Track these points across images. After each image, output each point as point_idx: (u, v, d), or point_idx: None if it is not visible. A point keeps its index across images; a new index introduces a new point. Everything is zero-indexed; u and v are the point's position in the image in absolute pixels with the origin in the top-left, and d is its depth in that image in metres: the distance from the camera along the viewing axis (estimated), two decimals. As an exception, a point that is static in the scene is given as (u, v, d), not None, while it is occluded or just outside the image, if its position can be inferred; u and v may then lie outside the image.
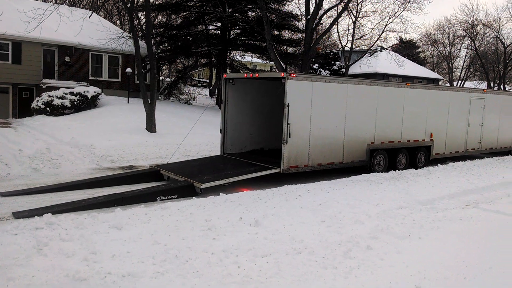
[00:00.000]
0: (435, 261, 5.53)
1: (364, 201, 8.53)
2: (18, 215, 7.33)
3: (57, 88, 21.99)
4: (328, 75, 30.84)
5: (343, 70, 32.67)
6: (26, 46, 23.35)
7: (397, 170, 12.80)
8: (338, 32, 52.07)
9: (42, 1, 25.00)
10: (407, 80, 35.35)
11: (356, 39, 30.55)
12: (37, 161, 12.14)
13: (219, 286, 4.53)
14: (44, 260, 4.93)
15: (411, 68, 38.95)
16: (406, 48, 46.47)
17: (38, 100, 21.08)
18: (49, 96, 20.94)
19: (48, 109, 20.63)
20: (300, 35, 29.41)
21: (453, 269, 5.33)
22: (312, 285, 4.68)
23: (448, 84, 47.63)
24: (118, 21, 40.71)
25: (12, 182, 10.03)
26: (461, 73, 48.23)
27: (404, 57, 38.43)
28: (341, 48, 32.28)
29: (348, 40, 31.02)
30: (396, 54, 33.74)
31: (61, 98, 21.02)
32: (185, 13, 28.59)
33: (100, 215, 6.93)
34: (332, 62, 33.95)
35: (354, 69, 34.47)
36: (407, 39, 48.54)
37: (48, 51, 24.46)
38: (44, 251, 5.19)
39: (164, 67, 41.45)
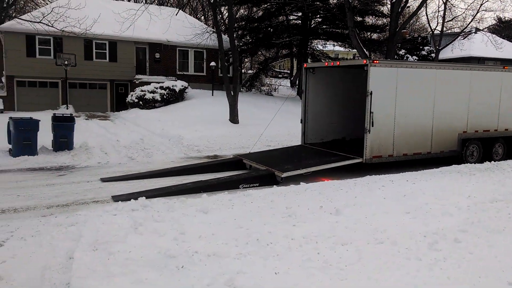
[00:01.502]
0: (534, 258, 5.09)
1: (454, 192, 8.04)
2: (116, 198, 8.06)
3: (148, 83, 23.59)
4: (415, 61, 29.23)
5: (433, 55, 30.71)
6: (121, 45, 25.29)
7: (492, 161, 11.84)
8: (426, 15, 49.03)
9: (134, 2, 26.79)
10: (507, 63, 32.23)
11: (447, 21, 28.52)
12: (132, 150, 13.19)
13: (299, 270, 4.62)
14: (140, 238, 5.40)
15: (511, 50, 35.46)
16: (505, 29, 42.36)
17: (132, 95, 22.80)
18: (142, 91, 22.53)
19: (140, 102, 22.22)
20: (384, 20, 28.21)
21: (555, 267, 4.87)
22: (394, 275, 4.58)
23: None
24: (202, 17, 42.30)
25: (111, 169, 11.01)
26: None
27: (503, 38, 35.12)
28: (430, 32, 30.36)
29: (438, 23, 29.11)
30: (493, 35, 30.91)
31: (152, 92, 22.51)
32: (265, 5, 28.86)
33: (188, 199, 7.37)
34: (420, 47, 32.04)
35: (445, 53, 32.25)
36: (506, 18, 44.24)
37: (140, 48, 26.26)
38: (139, 230, 5.67)
39: (246, 59, 42.31)
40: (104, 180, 9.72)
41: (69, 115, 13.12)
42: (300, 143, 13.04)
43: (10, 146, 11.93)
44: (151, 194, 8.15)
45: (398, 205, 7.17)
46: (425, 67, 11.35)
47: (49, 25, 15.18)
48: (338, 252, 5.14)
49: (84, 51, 24.49)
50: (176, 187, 8.85)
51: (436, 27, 29.32)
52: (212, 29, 25.56)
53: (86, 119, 20.38)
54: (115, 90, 26.18)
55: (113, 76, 25.60)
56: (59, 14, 15.34)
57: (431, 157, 11.62)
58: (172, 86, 23.07)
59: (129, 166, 11.56)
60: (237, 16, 32.34)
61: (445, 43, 30.16)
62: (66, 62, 22.47)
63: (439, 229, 5.98)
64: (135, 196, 7.87)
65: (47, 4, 27.56)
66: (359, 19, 27.27)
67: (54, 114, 13.10)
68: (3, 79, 24.71)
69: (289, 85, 37.38)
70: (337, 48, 41.92)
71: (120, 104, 25.23)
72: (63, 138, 12.41)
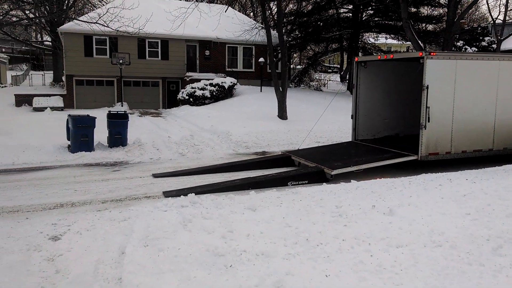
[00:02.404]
0: None
1: (520, 193, 7.46)
2: (167, 194, 8.21)
3: (198, 80, 23.97)
4: (475, 52, 27.61)
5: (494, 46, 28.87)
6: (172, 43, 25.87)
7: None
8: (487, 3, 46.17)
9: (185, 0, 27.29)
10: None
11: (510, 10, 26.66)
12: (182, 146, 13.42)
13: (350, 273, 4.43)
14: (189, 235, 5.43)
15: None
16: None
17: (182, 92, 23.27)
18: (192, 88, 22.94)
19: (191, 99, 22.63)
20: (441, 11, 26.87)
21: None
22: (453, 281, 4.28)
23: None
24: (251, 13, 42.39)
25: (162, 165, 11.26)
26: None
27: None
28: (492, 22, 28.54)
29: (500, 12, 27.38)
30: None
31: (202, 89, 22.85)
32: (315, -1, 28.40)
33: (236, 196, 7.35)
34: (480, 38, 30.23)
35: (508, 44, 30.18)
36: None
37: (190, 46, 26.73)
38: (188, 227, 5.71)
39: (294, 54, 41.94)
40: (155, 175, 9.94)
41: (123, 112, 13.56)
42: (350, 140, 12.69)
43: (69, 143, 12.50)
44: (200, 190, 8.22)
45: (457, 206, 6.74)
46: (487, 59, 10.63)
47: (104, 25, 15.76)
48: (392, 255, 4.89)
49: (138, 50, 25.29)
50: (224, 184, 8.87)
51: (498, 16, 27.64)
52: (261, 25, 25.51)
53: (139, 116, 21.06)
54: (167, 87, 26.85)
55: (165, 73, 26.26)
56: (114, 15, 15.86)
57: (493, 155, 10.90)
58: (221, 82, 23.30)
59: (180, 162, 11.76)
60: (286, 11, 32.07)
61: (508, 33, 28.24)
62: (121, 61, 23.32)
63: (504, 232, 5.54)
64: (184, 192, 7.97)
65: (103, 5, 28.71)
66: (413, 10, 26.15)
67: (109, 111, 13.59)
68: (63, 78, 26.08)
69: (339, 80, 36.65)
70: (390, 41, 40.51)
71: (172, 101, 25.85)
72: (118, 135, 12.84)
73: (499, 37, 27.60)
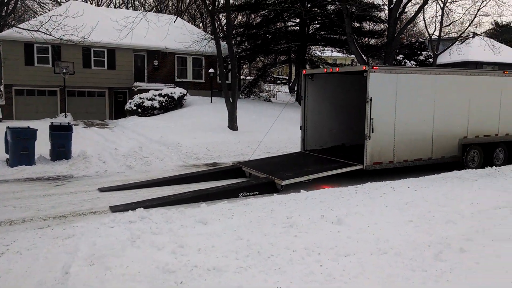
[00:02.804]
0: (541, 268, 4.97)
1: (457, 199, 7.94)
2: (114, 209, 7.93)
3: (147, 91, 23.51)
4: (413, 66, 29.22)
5: (431, 60, 30.74)
6: (119, 53, 25.25)
7: (494, 167, 11.75)
8: (424, 20, 49.16)
9: (132, 10, 26.81)
10: (505, 68, 32.25)
11: (445, 26, 28.57)
12: (130, 158, 13.07)
13: (301, 284, 4.49)
14: (137, 251, 5.27)
15: (509, 55, 35.48)
16: (502, 33, 42.48)
17: (130, 102, 22.72)
18: (140, 98, 22.46)
19: (139, 110, 22.14)
20: (382, 26, 28.24)
21: None
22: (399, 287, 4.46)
23: (554, 70, 42.63)
24: (200, 24, 42.37)
25: (109, 179, 10.88)
26: None
27: (501, 42, 35.19)
28: (428, 37, 30.41)
29: (435, 28, 29.17)
30: (491, 40, 30.94)
31: (151, 99, 22.43)
32: (264, 12, 28.89)
33: (187, 210, 7.25)
34: (418, 52, 32.10)
35: (443, 58, 32.27)
36: (503, 23, 44.34)
37: (138, 56, 26.23)
38: (137, 243, 5.55)
39: (244, 66, 42.29)
40: (102, 190, 9.59)
41: (67, 123, 13.01)
42: (300, 150, 12.94)
43: (8, 156, 11.80)
44: (149, 204, 8.03)
45: (400, 214, 7.05)
46: (425, 73, 11.29)
47: (47, 34, 15.13)
48: (341, 264, 5.02)
49: (83, 59, 24.45)
50: (174, 197, 8.72)
51: (433, 32, 29.41)
52: (211, 36, 25.55)
53: (84, 127, 20.28)
54: (114, 97, 26.12)
55: (112, 83, 25.54)
56: (57, 23, 15.27)
57: (432, 163, 11.53)
58: (171, 93, 23.01)
59: (128, 175, 11.44)
60: (235, 23, 32.36)
61: (443, 48, 30.20)
62: (64, 70, 22.41)
63: (444, 238, 5.87)
64: (133, 206, 7.75)
65: (45, 12, 27.55)
66: (357, 25, 27.28)
67: (52, 123, 13.00)
68: (1, 88, 24.64)
69: (287, 91, 37.35)
70: (335, 54, 41.93)
71: (119, 112, 25.15)
72: (61, 147, 12.29)
73: (435, 52, 29.42)
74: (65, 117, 22.61)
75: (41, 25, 15.07)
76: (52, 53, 23.60)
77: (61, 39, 15.73)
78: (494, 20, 44.61)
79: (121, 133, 18.39)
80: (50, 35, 15.22)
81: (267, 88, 35.43)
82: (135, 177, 11.05)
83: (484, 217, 6.88)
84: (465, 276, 4.73)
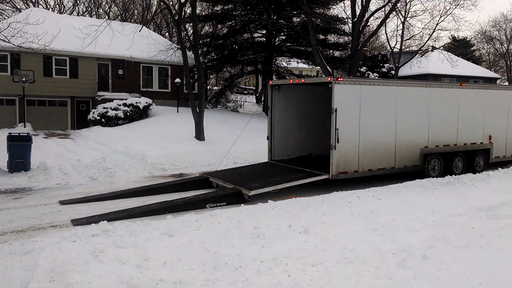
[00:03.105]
0: (497, 272, 5.17)
1: (419, 208, 8.18)
2: (76, 222, 7.67)
3: (111, 100, 22.99)
4: (376, 77, 30.08)
5: (393, 72, 31.75)
6: (82, 61, 24.64)
7: (453, 175, 12.19)
8: (386, 34, 50.84)
9: (96, 17, 26.32)
10: (462, 80, 33.75)
11: (406, 39, 29.62)
12: (93, 170, 12.70)
13: (269, 295, 4.48)
14: (100, 266, 5.10)
15: (465, 68, 37.18)
16: (459, 47, 44.52)
17: (94, 112, 22.14)
18: (104, 108, 21.93)
19: (103, 120, 21.60)
20: (346, 38, 28.93)
21: (519, 281, 4.96)
22: (365, 296, 4.52)
23: (506, 83, 44.98)
24: (167, 33, 42.05)
25: (71, 191, 10.53)
26: (520, 71, 45.40)
27: (458, 56, 36.81)
28: (390, 50, 31.44)
29: (397, 41, 30.21)
30: (449, 53, 32.34)
31: (115, 109, 21.95)
32: (230, 22, 29.01)
33: (152, 222, 7.10)
34: (381, 65, 33.11)
35: (404, 70, 33.41)
36: (460, 37, 46.45)
37: (102, 65, 25.67)
38: (100, 257, 5.37)
39: (211, 76, 42.26)
40: (63, 202, 9.26)
41: (26, 134, 12.52)
42: (267, 160, 12.99)
43: (-39, 168, 11.23)
44: (113, 217, 7.82)
45: (365, 222, 7.18)
46: (387, 85, 11.64)
47: (5, 41, 14.57)
48: (309, 274, 5.04)
49: (43, 67, 23.66)
50: (139, 209, 8.53)
51: (395, 45, 30.43)
52: (177, 46, 25.39)
53: (44, 137, 19.57)
54: (76, 107, 25.38)
55: (74, 93, 24.83)
56: (16, 30, 14.74)
57: (395, 172, 11.83)
58: (136, 102, 22.60)
59: (90, 187, 11.11)
60: (202, 33, 32.34)
61: (404, 61, 31.26)
62: (23, 79, 21.60)
63: (407, 246, 6.01)
64: (95, 219, 7.52)
65: (4, 19, 26.60)
66: (322, 37, 27.84)
67: (10, 133, 12.48)
68: (-45, 97, 23.46)
69: (254, 101, 37.53)
70: (301, 65, 42.64)
71: (81, 122, 24.43)
72: (19, 159, 11.80)
73: (396, 64, 30.42)
74: (24, 127, 21.75)
75: (0, 32, 14.51)
76: (11, 61, 22.71)
77: (20, 46, 15.19)
78: (451, 35, 46.70)
79: (84, 144, 17.86)
80: (9, 42, 14.68)
81: (234, 99, 35.47)
82: (98, 189, 10.74)
83: (444, 224, 7.11)
84: (428, 282, 4.85)
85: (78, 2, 41.56)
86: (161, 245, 5.92)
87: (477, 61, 48.13)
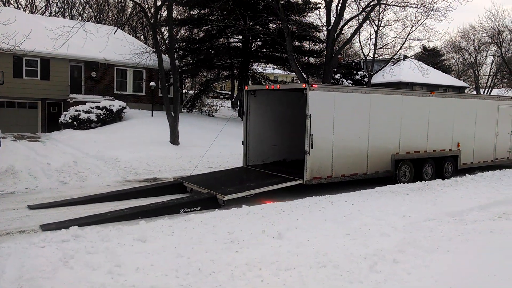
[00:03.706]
0: (465, 275, 5.34)
1: (390, 213, 8.35)
2: (45, 227, 7.48)
3: (83, 103, 22.55)
4: (350, 85, 30.61)
5: (366, 79, 32.36)
6: (54, 63, 24.09)
7: (423, 181, 12.51)
8: (360, 42, 51.84)
9: (69, 18, 25.81)
10: (432, 88, 34.76)
11: (378, 48, 30.22)
12: (64, 174, 12.41)
13: (242, 300, 4.48)
14: (70, 272, 4.99)
15: (435, 77, 38.29)
16: (430, 56, 45.82)
17: (65, 115, 21.66)
18: (76, 111, 21.49)
19: (75, 123, 21.15)
20: (321, 46, 29.37)
21: (484, 283, 5.13)
22: (337, 300, 4.58)
23: (474, 92, 46.58)
24: (142, 36, 41.61)
25: (40, 195, 10.26)
26: (487, 80, 47.00)
27: (428, 65, 37.84)
28: (363, 58, 32.05)
29: (370, 50, 30.68)
30: (420, 62, 33.24)
31: (88, 112, 21.53)
32: (207, 27, 29.01)
33: (124, 227, 7.00)
34: (355, 72, 33.71)
35: (377, 78, 34.12)
36: (431, 47, 47.90)
37: (75, 67, 25.16)
38: (70, 263, 5.26)
39: (187, 80, 42.04)
40: (32, 207, 9.01)
41: (-6, 136, 12.14)
42: (242, 165, 13.00)
43: None
44: (84, 222, 7.65)
45: (338, 227, 7.28)
46: (360, 92, 11.86)
47: (-28, 40, 14.16)
48: (282, 278, 5.07)
49: (13, 68, 22.99)
50: (111, 214, 8.39)
51: (368, 53, 30.99)
52: (152, 49, 25.16)
53: (13, 140, 19.00)
54: (47, 109, 24.75)
55: (45, 94, 24.22)
56: (-16, 29, 14.35)
57: (368, 178, 12.05)
58: (109, 106, 22.24)
59: (61, 191, 10.85)
60: (178, 37, 32.16)
61: (377, 69, 31.93)
62: (-9, 80, 20.94)
63: (378, 250, 6.13)
64: (66, 224, 7.35)
65: (-29, 17, 25.69)
66: (297, 44, 28.16)
67: (-24, 135, 12.07)
68: None
69: (230, 106, 37.55)
70: (277, 71, 43.00)
71: (52, 125, 23.83)
72: (-14, 162, 11.42)
73: (370, 72, 31.03)
74: (-8, 129, 21.08)
75: (-33, 31, 14.07)
76: (-21, 61, 22.00)
77: (-11, 46, 14.76)
78: (422, 44, 48.17)
79: (55, 147, 17.43)
80: (-23, 41, 14.24)
81: (209, 103, 35.42)
82: (69, 194, 10.50)
83: (414, 229, 7.28)
84: (398, 286, 4.96)
85: (50, 2, 40.70)
86: (134, 250, 5.84)
87: (446, 70, 49.68)
